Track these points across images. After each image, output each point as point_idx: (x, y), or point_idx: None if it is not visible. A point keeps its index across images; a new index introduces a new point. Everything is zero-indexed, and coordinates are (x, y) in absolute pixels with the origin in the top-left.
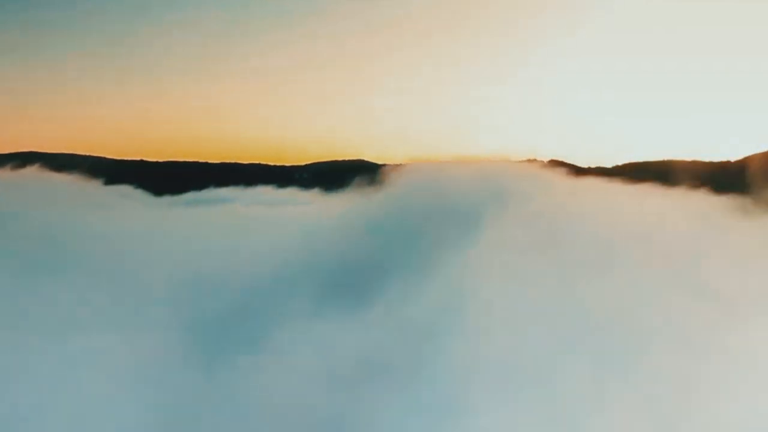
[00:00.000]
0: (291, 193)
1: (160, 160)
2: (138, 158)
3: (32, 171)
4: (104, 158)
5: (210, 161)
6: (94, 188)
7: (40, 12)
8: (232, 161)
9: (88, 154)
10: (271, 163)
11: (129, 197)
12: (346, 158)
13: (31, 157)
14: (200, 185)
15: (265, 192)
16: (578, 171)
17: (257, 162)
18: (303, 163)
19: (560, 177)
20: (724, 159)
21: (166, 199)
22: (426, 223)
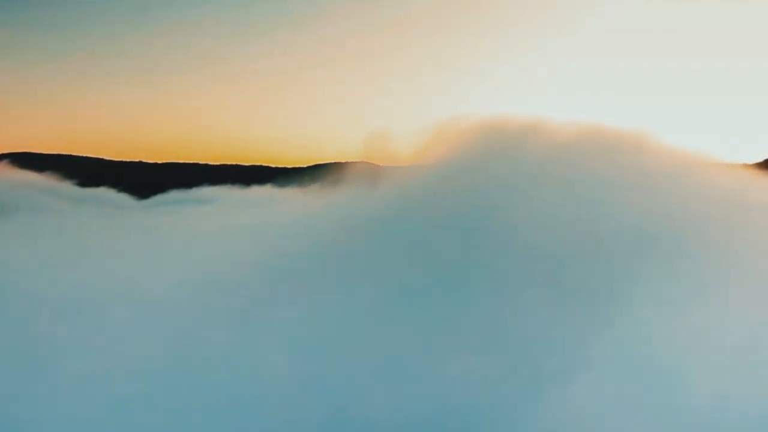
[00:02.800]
0: (291, 193)
1: (159, 161)
2: (137, 159)
3: None
4: (90, 158)
5: (210, 163)
6: (62, 189)
7: (40, 12)
8: (232, 163)
9: (81, 154)
10: (273, 165)
11: (96, 201)
12: (348, 160)
13: (21, 157)
14: (190, 185)
15: (264, 192)
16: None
17: (258, 164)
18: (305, 165)
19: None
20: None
21: (146, 202)
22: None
